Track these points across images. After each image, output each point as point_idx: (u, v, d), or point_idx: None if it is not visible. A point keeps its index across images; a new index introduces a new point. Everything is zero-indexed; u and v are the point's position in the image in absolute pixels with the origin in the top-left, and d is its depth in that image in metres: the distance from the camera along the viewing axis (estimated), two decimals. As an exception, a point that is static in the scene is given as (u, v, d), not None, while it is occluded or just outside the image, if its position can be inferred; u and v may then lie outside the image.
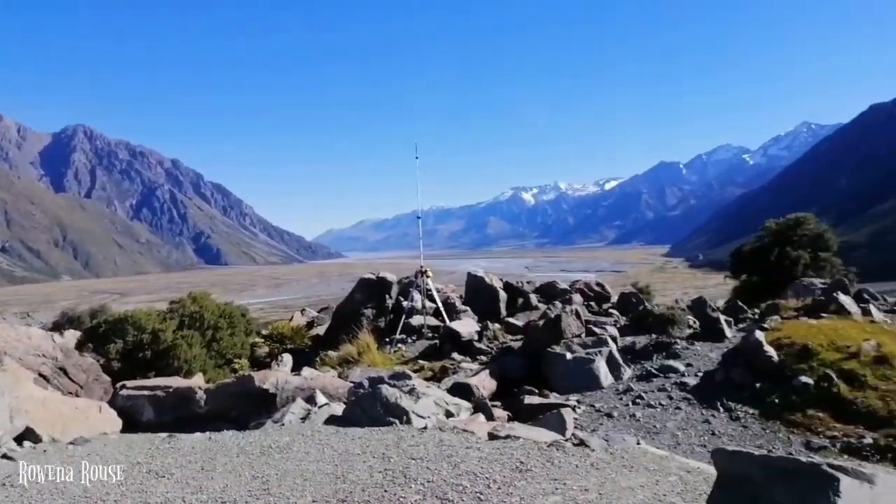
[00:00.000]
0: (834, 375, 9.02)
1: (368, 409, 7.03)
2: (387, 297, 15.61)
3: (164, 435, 7.50)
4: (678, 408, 9.19)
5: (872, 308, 12.37)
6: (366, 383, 7.65)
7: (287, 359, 13.17)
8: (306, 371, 10.23)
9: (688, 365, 10.59)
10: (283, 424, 7.49)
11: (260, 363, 14.27)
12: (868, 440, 7.95)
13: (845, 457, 7.57)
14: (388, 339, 14.25)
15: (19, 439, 7.12)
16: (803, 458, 3.81)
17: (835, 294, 12.36)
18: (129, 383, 9.84)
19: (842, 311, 11.67)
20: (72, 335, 14.53)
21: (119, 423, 8.54)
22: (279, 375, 9.31)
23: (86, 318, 19.24)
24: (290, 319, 19.08)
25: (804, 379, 9.13)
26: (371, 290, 15.70)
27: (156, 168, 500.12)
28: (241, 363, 14.06)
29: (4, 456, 6.53)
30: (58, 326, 19.35)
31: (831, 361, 9.39)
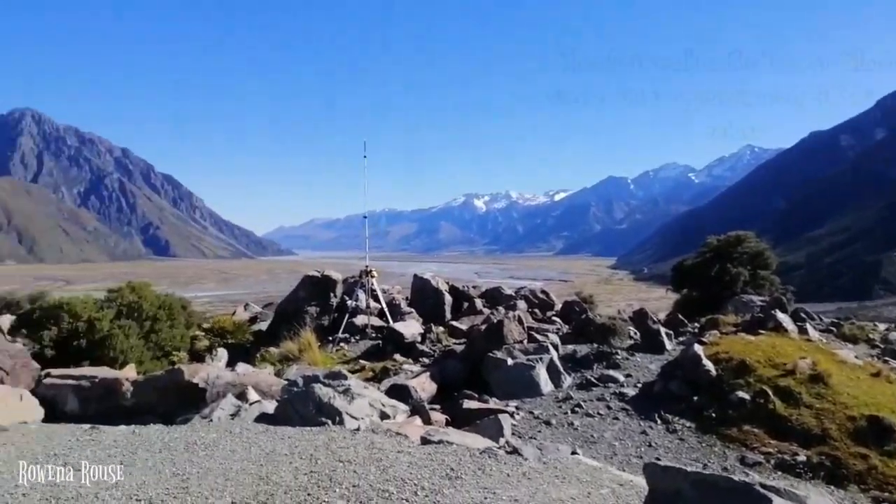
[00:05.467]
0: (770, 392, 9.15)
1: (300, 409, 6.85)
2: (331, 295, 15.37)
3: (86, 426, 7.20)
4: (616, 418, 9.20)
5: (809, 327, 12.66)
6: (300, 382, 7.44)
7: (222, 353, 12.83)
8: (240, 367, 9.96)
9: (627, 375, 10.65)
10: (210, 420, 7.24)
11: (200, 357, 13.90)
12: (802, 457, 8.06)
13: (779, 473, 7.66)
14: (330, 338, 14.03)
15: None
16: (736, 477, 3.73)
17: (773, 312, 12.59)
18: (53, 371, 9.45)
19: (779, 329, 11.89)
20: (7, 320, 13.99)
21: (41, 412, 8.19)
22: (210, 370, 9.01)
23: (25, 304, 18.52)
24: (233, 314, 18.67)
25: (741, 394, 9.24)
26: (315, 287, 15.44)
27: (105, 156, 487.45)
28: (180, 356, 13.68)
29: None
30: (-4, 310, 18.57)
31: (768, 378, 9.52)
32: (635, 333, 12.49)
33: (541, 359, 10.27)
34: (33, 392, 8.65)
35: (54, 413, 8.39)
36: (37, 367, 10.14)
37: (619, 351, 11.61)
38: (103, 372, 9.40)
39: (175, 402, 8.44)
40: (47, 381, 9.00)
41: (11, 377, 9.38)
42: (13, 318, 14.41)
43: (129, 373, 10.16)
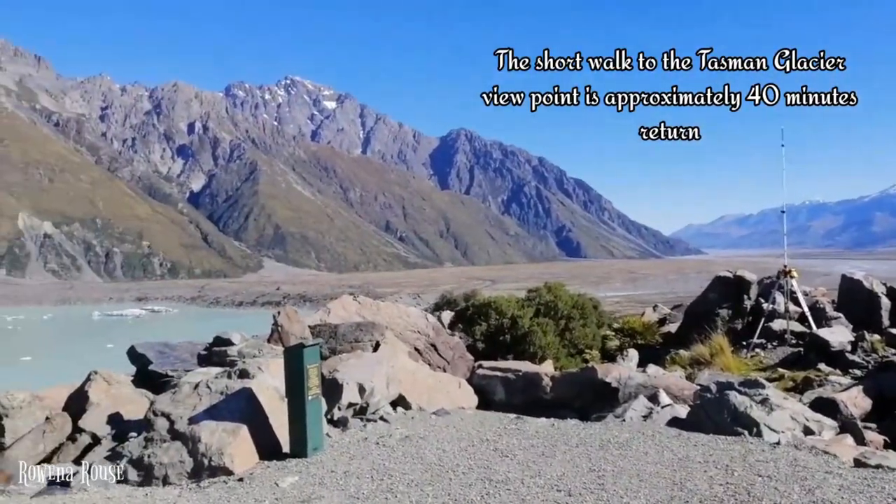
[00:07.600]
0: None
1: (714, 416, 6.67)
2: (745, 297, 14.55)
3: (512, 416, 8.06)
4: None
5: None
6: (713, 388, 7.23)
7: (633, 354, 13.06)
8: (651, 369, 10.05)
9: None
10: (623, 420, 7.48)
11: (609, 356, 14.40)
12: None
13: None
14: (744, 343, 13.31)
15: (393, 405, 8.27)
16: None
17: None
18: (485, 363, 10.73)
19: None
20: (448, 316, 16.41)
21: (475, 399, 9.39)
22: (622, 370, 9.29)
23: (460, 301, 21.39)
24: (642, 315, 18.89)
25: None
26: (727, 289, 14.79)
27: (524, 166, 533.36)
28: (593, 354, 14.34)
29: (381, 418, 7.67)
30: (438, 307, 21.91)
31: None
32: None
33: None
34: (468, 381, 9.97)
35: (485, 401, 9.54)
36: (471, 359, 11.64)
37: None
38: (525, 366, 10.38)
39: (589, 398, 8.91)
40: (480, 371, 10.27)
41: (451, 367, 10.94)
42: (451, 314, 16.81)
43: (547, 368, 11.04)
